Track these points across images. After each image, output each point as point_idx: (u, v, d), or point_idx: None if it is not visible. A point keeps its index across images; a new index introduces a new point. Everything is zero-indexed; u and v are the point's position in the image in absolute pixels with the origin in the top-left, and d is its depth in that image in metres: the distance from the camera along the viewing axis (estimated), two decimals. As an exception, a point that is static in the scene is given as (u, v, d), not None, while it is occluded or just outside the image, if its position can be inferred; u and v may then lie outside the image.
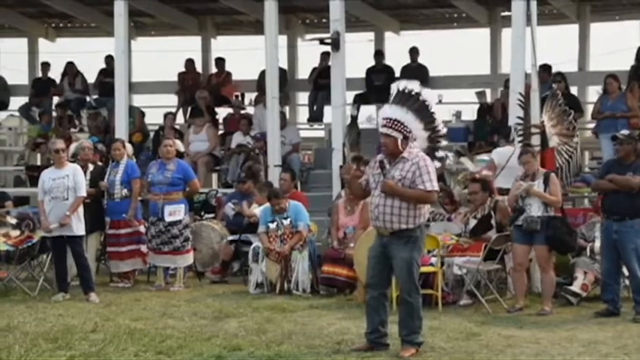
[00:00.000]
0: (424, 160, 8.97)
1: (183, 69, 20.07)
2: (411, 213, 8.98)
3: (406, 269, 8.99)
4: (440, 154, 9.28)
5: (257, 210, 13.78)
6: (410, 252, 9.00)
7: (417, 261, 9.06)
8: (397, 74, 18.71)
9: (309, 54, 20.28)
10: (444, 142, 9.34)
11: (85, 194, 12.31)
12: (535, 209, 11.26)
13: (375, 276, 9.19)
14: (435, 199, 9.37)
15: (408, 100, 9.07)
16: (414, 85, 9.15)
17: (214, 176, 17.84)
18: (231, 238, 13.95)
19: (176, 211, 13.08)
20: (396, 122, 8.99)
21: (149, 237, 13.25)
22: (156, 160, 13.86)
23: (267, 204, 13.26)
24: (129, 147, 14.08)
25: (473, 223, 12.28)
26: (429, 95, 9.18)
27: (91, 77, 20.30)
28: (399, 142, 8.98)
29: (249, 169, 15.67)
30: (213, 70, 20.04)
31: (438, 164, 9.24)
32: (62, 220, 11.99)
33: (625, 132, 11.48)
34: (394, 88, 9.20)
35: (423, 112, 9.09)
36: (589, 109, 16.67)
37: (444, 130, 9.31)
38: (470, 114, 18.46)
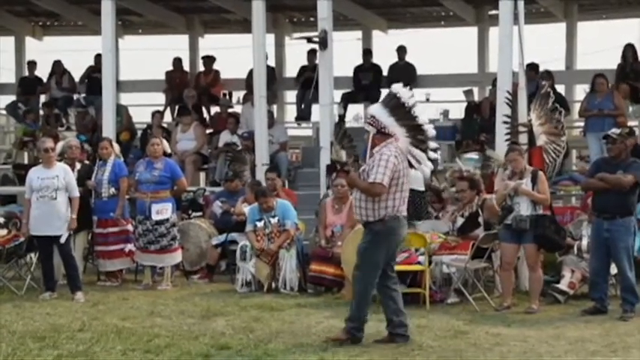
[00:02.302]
0: (381, 155, 9.11)
1: (170, 67, 20.03)
2: (370, 205, 9.18)
3: (359, 255, 9.26)
4: (431, 155, 9.36)
5: (246, 208, 13.77)
6: (363, 242, 9.28)
7: (369, 251, 9.20)
8: (385, 73, 18.73)
9: (296, 52, 20.24)
10: (432, 144, 9.36)
11: (78, 194, 12.31)
12: (524, 208, 11.19)
13: None
14: (376, 192, 9.06)
15: (386, 97, 9.43)
16: (396, 86, 9.42)
17: (202, 175, 17.81)
18: (216, 242, 13.90)
19: (163, 210, 13.07)
20: (371, 117, 9.32)
21: (136, 236, 13.23)
22: (143, 158, 13.83)
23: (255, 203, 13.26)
24: (116, 146, 14.06)
25: (460, 221, 12.30)
26: (403, 93, 9.33)
27: (78, 76, 20.23)
28: (371, 136, 9.23)
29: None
30: (201, 68, 19.99)
31: (421, 172, 9.53)
32: (70, 225, 12.09)
33: (616, 130, 11.39)
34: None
35: (398, 109, 9.27)
36: (576, 108, 16.69)
37: (431, 133, 9.34)
38: (457, 112, 18.47)
